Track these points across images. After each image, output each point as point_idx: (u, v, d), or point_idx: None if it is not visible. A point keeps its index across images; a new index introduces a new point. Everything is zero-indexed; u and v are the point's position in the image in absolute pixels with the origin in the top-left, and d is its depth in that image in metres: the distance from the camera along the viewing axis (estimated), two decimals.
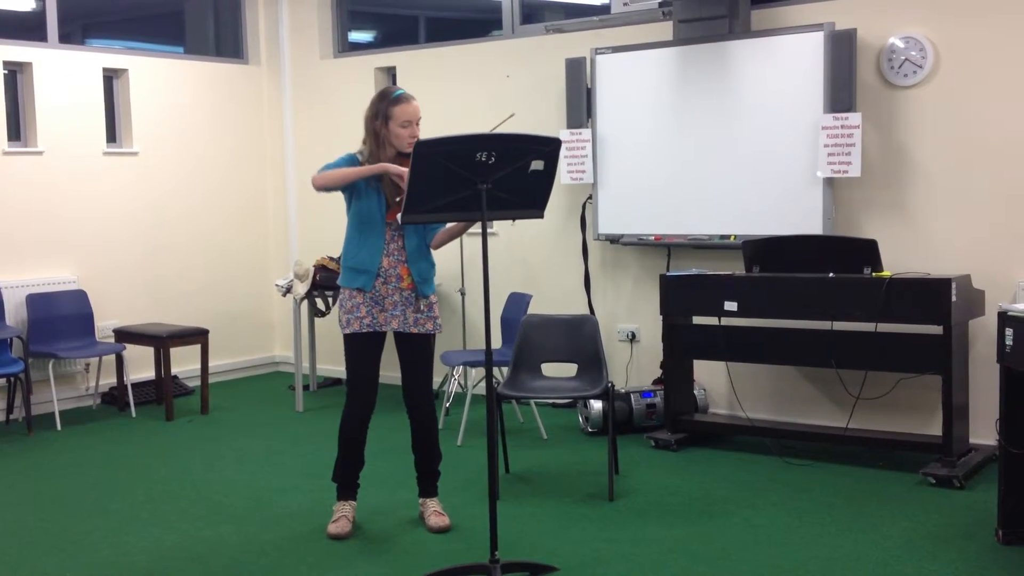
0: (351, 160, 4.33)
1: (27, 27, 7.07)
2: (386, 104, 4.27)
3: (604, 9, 6.65)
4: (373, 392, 4.43)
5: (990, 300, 5.22)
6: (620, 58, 6.33)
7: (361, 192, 4.30)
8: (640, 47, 6.27)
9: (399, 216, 4.23)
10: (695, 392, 6.06)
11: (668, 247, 6.36)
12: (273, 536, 4.46)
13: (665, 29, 6.27)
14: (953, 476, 4.88)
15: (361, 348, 4.36)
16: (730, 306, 5.48)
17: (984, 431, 5.21)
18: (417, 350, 4.43)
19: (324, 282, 6.91)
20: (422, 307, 4.38)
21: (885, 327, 5.16)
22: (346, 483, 4.52)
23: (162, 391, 6.96)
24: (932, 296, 4.96)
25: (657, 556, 4.11)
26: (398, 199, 4.19)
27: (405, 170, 4.00)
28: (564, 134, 6.47)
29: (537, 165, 3.78)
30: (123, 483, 5.34)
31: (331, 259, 7.00)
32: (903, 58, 5.57)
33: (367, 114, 4.33)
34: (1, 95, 6.78)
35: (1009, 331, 4.01)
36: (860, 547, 4.15)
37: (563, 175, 6.48)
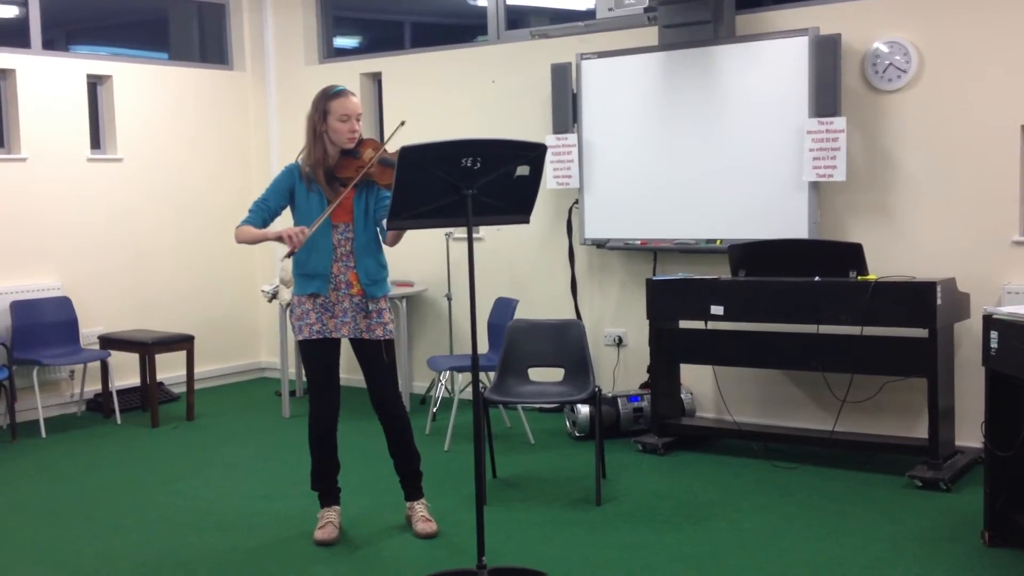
0: (289, 174, 4.33)
1: (10, 33, 7.04)
2: (324, 100, 4.28)
3: (589, 14, 6.66)
4: (335, 395, 4.42)
5: (975, 303, 5.24)
6: (606, 63, 6.34)
7: (302, 198, 4.29)
8: (625, 52, 6.28)
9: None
10: (682, 396, 6.06)
11: (654, 251, 6.37)
12: (259, 543, 4.44)
13: (650, 34, 6.29)
14: (939, 479, 4.89)
15: (315, 354, 4.37)
16: (716, 310, 5.49)
17: (970, 434, 5.23)
18: (374, 356, 4.40)
19: None
20: (371, 312, 4.36)
21: (871, 330, 5.17)
22: (326, 489, 4.51)
23: (147, 398, 6.93)
24: (917, 299, 4.97)
25: (645, 560, 4.11)
26: (339, 200, 4.19)
27: (285, 232, 4.03)
28: (550, 139, 6.47)
29: (523, 170, 3.77)
30: (108, 490, 5.31)
31: None
32: (887, 63, 5.60)
33: (308, 115, 4.32)
34: None
35: (994, 334, 4.03)
36: (847, 550, 4.16)
37: (549, 180, 6.48)
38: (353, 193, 4.26)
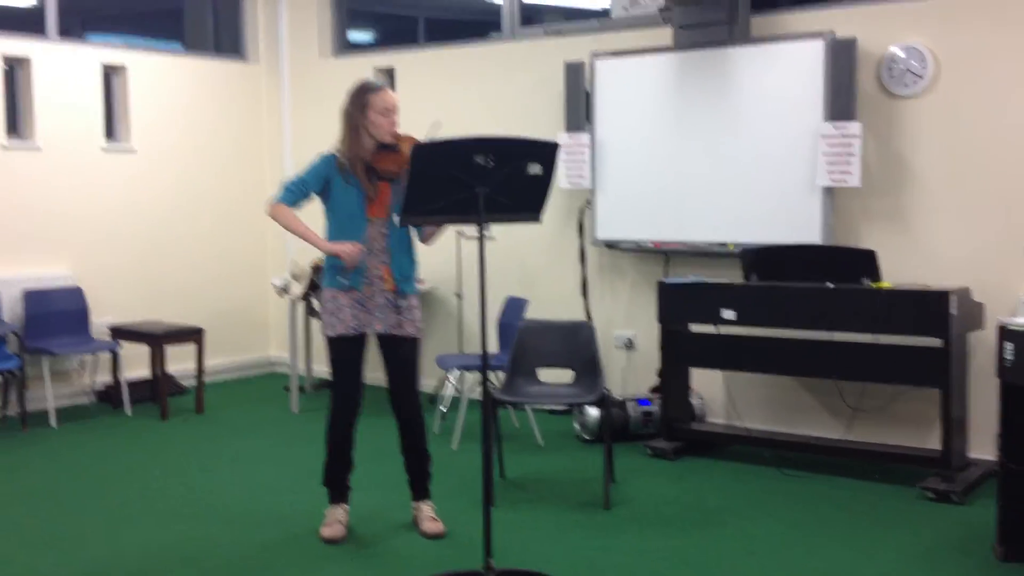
0: (328, 163, 4.32)
1: (27, 21, 7.05)
2: (365, 94, 4.29)
3: (604, 13, 6.63)
4: (358, 394, 4.42)
5: (990, 313, 5.20)
6: (619, 63, 6.32)
7: (339, 190, 4.29)
8: (640, 52, 6.25)
9: (396, 217, 4.21)
10: (692, 400, 6.04)
11: (666, 254, 6.34)
12: (266, 537, 4.44)
13: (665, 34, 6.25)
14: (951, 491, 4.85)
15: (346, 350, 4.35)
16: (728, 314, 5.46)
17: (983, 445, 5.19)
18: (400, 352, 4.40)
19: (320, 282, 6.87)
20: (402, 309, 4.35)
21: (884, 338, 5.14)
22: (337, 486, 4.50)
23: (157, 390, 6.93)
24: (931, 308, 4.93)
25: (652, 565, 4.09)
26: (379, 193, 4.19)
27: (343, 249, 4.03)
28: (563, 138, 6.45)
29: (535, 169, 3.76)
30: (117, 481, 5.32)
31: None
32: (903, 67, 5.56)
33: (345, 108, 4.34)
34: (0, 90, 6.75)
35: (1009, 345, 3.99)
36: (856, 561, 4.13)
37: (561, 179, 6.46)
38: (390, 188, 4.26)
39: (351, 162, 4.28)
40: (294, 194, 4.29)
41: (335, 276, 4.32)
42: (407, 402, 4.45)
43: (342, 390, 4.40)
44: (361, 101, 4.28)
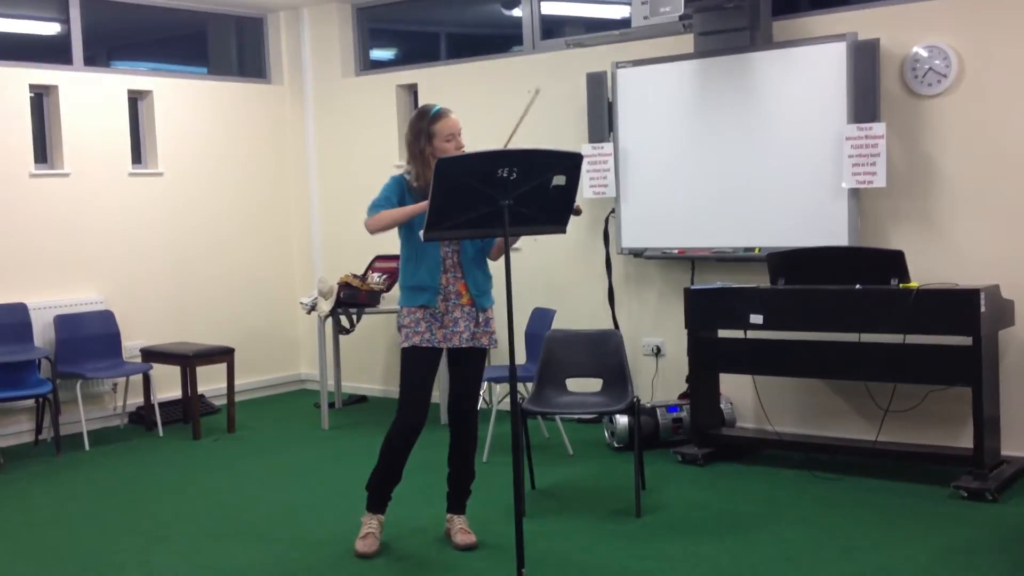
0: (399, 183, 4.34)
1: (52, 50, 7.15)
2: (427, 123, 4.29)
3: (624, 23, 6.65)
4: (425, 409, 4.39)
5: (1020, 310, 5.16)
6: (641, 72, 6.33)
7: None
8: (661, 60, 6.26)
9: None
10: (722, 406, 6.02)
11: (692, 260, 6.33)
12: (300, 555, 4.46)
13: (686, 42, 6.26)
14: (985, 489, 4.81)
15: (418, 363, 4.34)
16: (756, 319, 5.44)
17: (1016, 443, 5.15)
18: (471, 364, 4.42)
19: (348, 299, 6.92)
20: (481, 321, 4.37)
21: (913, 339, 5.11)
22: (379, 496, 4.50)
23: (189, 410, 6.99)
24: (961, 307, 4.90)
25: (685, 572, 4.08)
26: None
27: None
28: (586, 148, 6.46)
29: (559, 180, 3.77)
30: (151, 503, 5.36)
31: (354, 276, 7.00)
32: (927, 67, 5.54)
33: (408, 137, 4.35)
34: (28, 118, 6.84)
35: None
36: (891, 562, 4.10)
37: (586, 189, 6.47)
38: None
39: (424, 189, 4.26)
40: (385, 208, 4.31)
41: (413, 295, 4.33)
42: (469, 415, 4.47)
43: (407, 401, 4.36)
44: (427, 131, 4.28)
